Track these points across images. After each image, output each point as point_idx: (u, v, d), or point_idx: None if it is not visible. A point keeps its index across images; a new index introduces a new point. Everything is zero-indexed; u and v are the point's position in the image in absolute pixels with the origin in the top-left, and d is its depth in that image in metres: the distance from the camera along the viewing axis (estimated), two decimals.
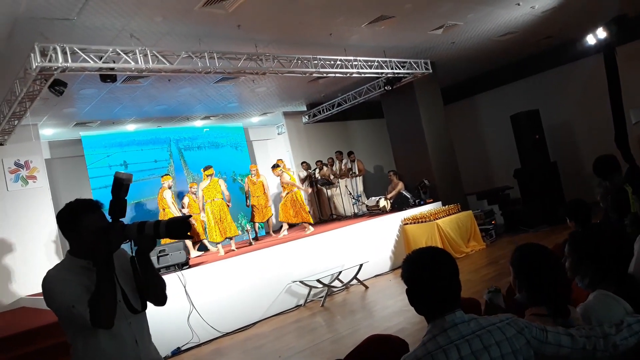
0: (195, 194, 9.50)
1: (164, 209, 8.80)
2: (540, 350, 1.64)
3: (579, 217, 3.65)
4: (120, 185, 2.01)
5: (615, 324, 1.76)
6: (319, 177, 11.85)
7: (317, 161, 12.15)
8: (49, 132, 10.10)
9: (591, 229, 2.37)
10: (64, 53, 5.66)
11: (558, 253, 3.09)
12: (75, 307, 1.93)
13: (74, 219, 2.05)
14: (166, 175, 9.26)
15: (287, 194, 9.27)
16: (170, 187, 8.90)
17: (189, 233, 2.02)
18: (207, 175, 8.60)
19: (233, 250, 8.28)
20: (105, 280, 1.94)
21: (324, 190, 12.01)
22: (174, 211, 8.52)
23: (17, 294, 8.27)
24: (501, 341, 1.58)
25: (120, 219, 2.02)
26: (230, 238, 8.47)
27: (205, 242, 9.14)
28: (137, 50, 6.20)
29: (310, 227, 9.11)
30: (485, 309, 2.40)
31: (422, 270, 1.67)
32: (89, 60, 5.91)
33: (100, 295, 1.93)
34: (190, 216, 2.05)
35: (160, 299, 2.23)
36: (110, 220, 2.02)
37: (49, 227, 8.69)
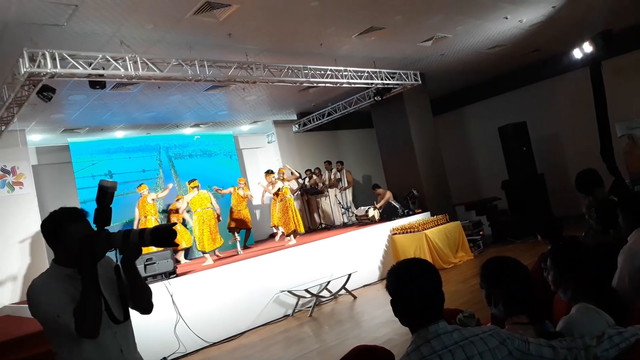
0: (178, 207, 9.52)
1: (145, 217, 8.83)
2: None
3: (550, 235, 3.64)
4: (105, 194, 1.99)
5: (596, 336, 1.78)
6: (309, 186, 11.86)
7: (307, 170, 12.16)
8: (36, 137, 10.02)
9: (571, 242, 2.40)
10: (53, 59, 5.63)
11: (539, 264, 3.12)
12: (60, 316, 1.90)
13: (58, 227, 2.03)
14: (141, 185, 9.37)
15: (281, 201, 9.28)
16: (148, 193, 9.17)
17: (174, 241, 2.00)
18: (193, 188, 8.68)
19: (218, 256, 8.47)
20: (91, 289, 1.92)
21: (314, 199, 12.01)
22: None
23: (1, 302, 8.14)
24: (484, 352, 1.60)
25: (105, 227, 2.00)
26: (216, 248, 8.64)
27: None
28: (127, 57, 6.19)
29: (293, 238, 9.09)
30: None
31: (406, 282, 1.69)
32: (78, 66, 5.88)
33: (85, 304, 1.91)
34: (175, 224, 2.04)
35: (146, 308, 2.21)
36: (95, 229, 2.01)
37: (35, 234, 8.59)
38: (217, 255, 8.78)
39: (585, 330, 1.91)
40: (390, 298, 1.71)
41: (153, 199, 9.13)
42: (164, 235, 1.96)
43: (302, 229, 9.35)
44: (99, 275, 1.97)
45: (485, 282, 2.09)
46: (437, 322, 1.65)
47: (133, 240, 1.97)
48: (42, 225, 2.08)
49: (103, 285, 2.01)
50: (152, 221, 8.89)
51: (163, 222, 9.16)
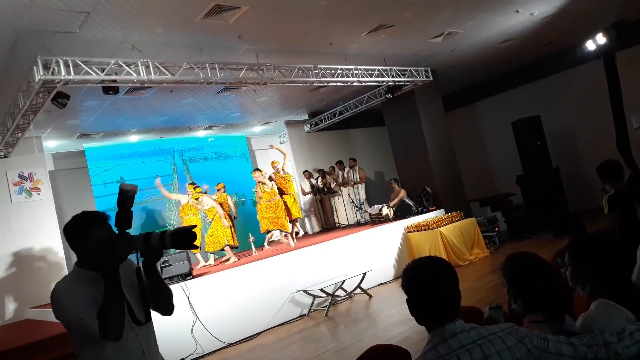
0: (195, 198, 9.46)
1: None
2: (541, 359, 1.64)
3: (573, 230, 3.64)
4: (125, 197, 2.02)
5: (617, 332, 1.75)
6: (322, 186, 11.86)
7: (319, 170, 12.16)
8: (52, 144, 10.16)
9: (590, 237, 2.36)
10: (67, 66, 5.70)
11: (556, 260, 3.09)
12: (84, 319, 1.94)
13: (81, 231, 2.07)
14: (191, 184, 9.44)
15: (270, 201, 9.15)
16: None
17: (194, 243, 2.03)
18: (218, 190, 9.39)
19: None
20: (113, 293, 1.96)
21: (327, 198, 12.01)
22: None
23: (21, 306, 8.27)
24: (502, 350, 1.58)
25: (127, 230, 2.03)
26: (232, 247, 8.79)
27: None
28: (139, 62, 6.25)
29: (292, 239, 9.13)
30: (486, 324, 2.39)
31: (422, 280, 1.68)
32: (91, 72, 5.95)
33: (108, 307, 1.94)
34: (195, 226, 2.05)
35: (168, 309, 2.25)
36: (116, 232, 2.04)
37: (54, 239, 8.71)
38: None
39: (604, 326, 1.88)
40: (406, 297, 1.71)
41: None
42: (185, 238, 1.98)
43: (287, 229, 9.15)
44: (120, 277, 2.01)
45: (506, 277, 2.07)
46: (454, 320, 1.64)
47: (154, 243, 1.99)
48: (64, 229, 2.11)
49: (125, 288, 2.05)
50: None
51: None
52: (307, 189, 12.08)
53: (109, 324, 1.92)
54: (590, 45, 9.72)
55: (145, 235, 2.01)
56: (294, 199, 9.65)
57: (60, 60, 5.64)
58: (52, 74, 5.62)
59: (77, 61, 5.80)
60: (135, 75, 6.24)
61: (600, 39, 9.38)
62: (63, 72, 5.66)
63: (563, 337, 1.73)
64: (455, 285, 1.68)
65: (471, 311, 2.78)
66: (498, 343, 1.60)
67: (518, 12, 8.15)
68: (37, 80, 5.59)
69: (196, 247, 2.03)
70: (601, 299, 2.07)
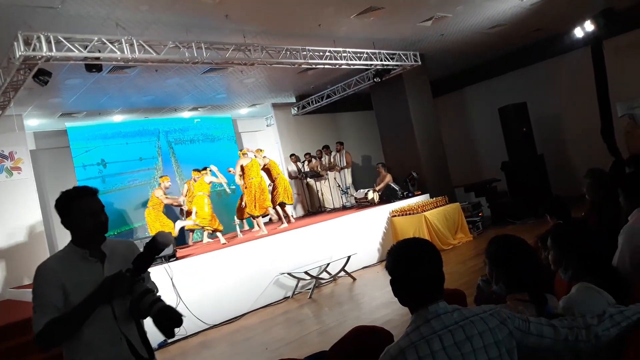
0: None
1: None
2: (523, 341, 1.65)
3: (559, 213, 3.67)
4: (155, 247, 2.01)
5: (597, 315, 1.78)
6: (308, 170, 11.83)
7: (306, 154, 12.12)
8: (34, 122, 9.95)
9: (573, 222, 2.39)
10: (48, 42, 5.56)
11: (537, 243, 3.12)
12: (37, 312, 1.94)
13: (70, 203, 2.08)
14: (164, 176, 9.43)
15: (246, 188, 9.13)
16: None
17: (173, 330, 1.93)
18: (244, 155, 9.21)
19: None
20: (81, 314, 1.94)
21: (313, 182, 12.00)
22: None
23: (2, 287, 8.17)
24: (484, 332, 1.59)
25: (139, 275, 2.00)
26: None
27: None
28: (123, 40, 6.11)
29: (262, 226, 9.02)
30: (477, 293, 2.46)
31: (406, 261, 1.67)
32: (74, 49, 5.80)
33: (64, 321, 1.93)
34: (183, 317, 1.97)
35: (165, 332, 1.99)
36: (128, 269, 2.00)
37: (34, 219, 8.59)
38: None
39: (585, 309, 1.90)
40: (390, 278, 1.70)
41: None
42: (169, 320, 1.90)
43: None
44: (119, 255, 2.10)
45: (489, 259, 2.08)
46: (437, 302, 1.64)
47: (144, 304, 1.94)
48: (55, 204, 2.11)
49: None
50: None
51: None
52: (294, 172, 12.04)
53: (52, 335, 1.91)
54: (578, 33, 9.76)
55: (144, 291, 1.96)
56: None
57: (41, 36, 5.50)
58: (34, 50, 5.48)
59: (59, 37, 5.66)
60: (119, 53, 6.11)
61: (589, 26, 9.40)
62: (45, 49, 5.52)
63: (544, 318, 1.74)
64: (439, 267, 1.68)
65: (454, 294, 2.80)
66: (480, 324, 1.60)
67: None
68: (17, 56, 5.46)
69: (172, 336, 1.96)
70: (582, 282, 2.09)
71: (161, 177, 9.56)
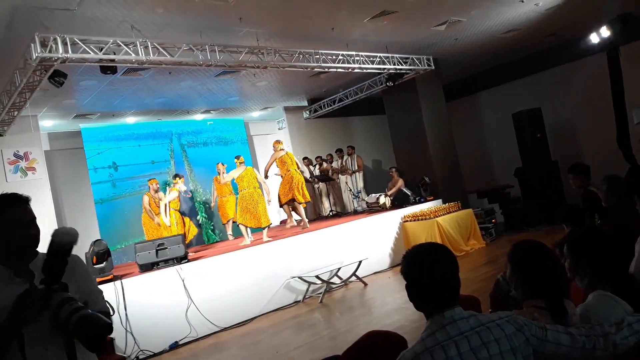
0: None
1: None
2: (540, 348, 1.62)
3: (575, 222, 3.63)
4: (59, 250, 1.71)
5: (615, 323, 1.74)
6: (319, 173, 11.83)
7: (317, 157, 12.12)
8: (48, 123, 10.06)
9: (589, 229, 2.35)
10: (65, 44, 5.62)
11: (554, 251, 3.08)
12: None
13: None
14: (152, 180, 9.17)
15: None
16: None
17: (98, 344, 1.69)
18: (240, 164, 8.53)
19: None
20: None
21: (324, 186, 11.98)
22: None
23: None
24: (500, 338, 1.56)
25: (54, 283, 1.67)
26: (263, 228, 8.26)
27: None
28: (137, 42, 6.16)
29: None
30: (494, 289, 2.42)
31: (422, 266, 1.66)
32: (90, 51, 5.87)
33: None
34: (108, 332, 1.75)
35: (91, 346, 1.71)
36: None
37: (48, 219, 8.66)
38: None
39: (602, 317, 1.87)
40: (405, 282, 1.69)
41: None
42: (89, 328, 1.63)
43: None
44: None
45: (511, 262, 2.04)
46: (453, 307, 1.62)
47: (63, 314, 1.62)
48: None
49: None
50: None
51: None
52: (306, 175, 12.04)
53: None
54: (594, 38, 9.68)
55: (61, 301, 1.63)
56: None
57: (58, 37, 5.56)
58: (50, 51, 5.54)
59: (76, 39, 5.73)
60: (134, 55, 6.16)
61: (605, 32, 9.32)
62: (61, 50, 5.58)
63: (561, 326, 1.71)
64: (455, 272, 1.66)
65: (468, 300, 2.77)
66: (496, 331, 1.58)
67: (523, 1, 8.05)
68: (34, 57, 5.52)
69: (100, 351, 1.71)
70: (599, 290, 2.06)
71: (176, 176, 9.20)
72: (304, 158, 12.16)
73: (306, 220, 9.02)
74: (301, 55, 7.80)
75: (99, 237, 7.71)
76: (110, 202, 9.98)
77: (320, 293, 7.53)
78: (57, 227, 1.75)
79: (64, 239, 1.72)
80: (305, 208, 9.37)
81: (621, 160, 9.12)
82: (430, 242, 1.76)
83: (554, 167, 10.78)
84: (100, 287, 5.85)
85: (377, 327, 5.27)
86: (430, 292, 1.63)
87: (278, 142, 9.60)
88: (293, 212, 9.70)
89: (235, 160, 8.64)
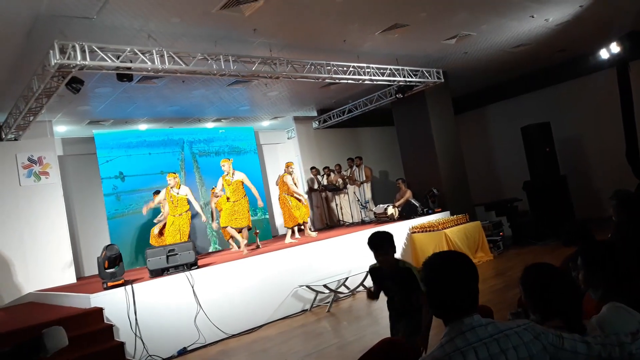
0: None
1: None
2: (556, 356, 1.66)
3: (579, 241, 3.62)
4: (39, 349, 1.66)
5: (631, 333, 1.77)
6: (327, 183, 11.88)
7: (325, 167, 12.18)
8: (62, 129, 10.21)
9: (603, 242, 2.38)
10: (83, 51, 5.74)
11: (567, 264, 3.10)
12: None
13: None
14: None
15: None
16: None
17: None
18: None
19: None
20: None
21: (332, 196, 12.03)
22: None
23: (25, 289, 8.32)
24: (518, 345, 1.60)
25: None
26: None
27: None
28: (154, 51, 6.27)
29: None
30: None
31: (444, 273, 1.70)
32: (107, 59, 5.98)
33: None
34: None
35: None
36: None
37: (60, 223, 8.76)
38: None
39: (616, 329, 1.90)
40: (425, 289, 1.72)
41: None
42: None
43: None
44: None
45: (524, 288, 2.06)
46: (471, 314, 1.66)
47: None
48: None
49: None
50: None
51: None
52: (314, 185, 12.10)
53: None
54: (603, 54, 9.72)
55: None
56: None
57: (76, 45, 5.68)
58: (68, 58, 5.65)
59: (94, 47, 5.84)
60: (149, 63, 6.27)
61: (614, 48, 9.37)
62: (79, 57, 5.70)
63: (578, 335, 1.74)
64: (475, 280, 1.70)
65: (481, 309, 2.79)
66: (515, 338, 1.61)
67: (533, 17, 8.13)
68: (53, 64, 5.63)
69: None
70: (613, 302, 2.09)
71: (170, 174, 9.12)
72: (312, 168, 12.24)
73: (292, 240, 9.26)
74: (313, 67, 7.90)
75: (110, 242, 7.77)
76: (118, 219, 9.96)
77: (327, 302, 7.55)
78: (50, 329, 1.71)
79: (56, 343, 1.69)
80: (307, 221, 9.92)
81: (630, 175, 9.12)
82: (451, 250, 1.81)
83: (563, 182, 10.77)
84: (112, 291, 5.83)
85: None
86: (451, 299, 1.67)
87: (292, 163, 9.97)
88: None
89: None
